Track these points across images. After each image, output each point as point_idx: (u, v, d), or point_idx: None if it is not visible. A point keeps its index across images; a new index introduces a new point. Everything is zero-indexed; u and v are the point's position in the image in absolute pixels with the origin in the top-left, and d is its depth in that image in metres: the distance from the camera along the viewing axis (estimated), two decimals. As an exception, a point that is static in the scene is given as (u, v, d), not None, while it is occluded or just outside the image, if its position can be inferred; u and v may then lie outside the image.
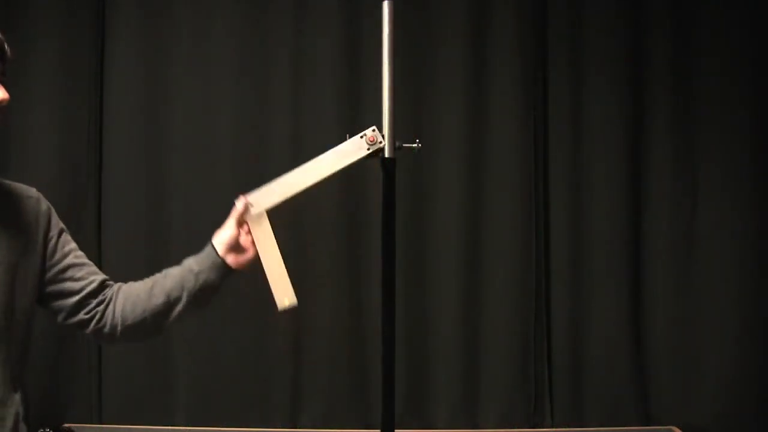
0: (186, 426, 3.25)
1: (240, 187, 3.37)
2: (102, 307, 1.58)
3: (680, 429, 3.20)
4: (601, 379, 3.31)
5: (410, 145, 1.66)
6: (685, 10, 3.32)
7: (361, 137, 1.62)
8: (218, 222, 3.47)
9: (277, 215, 3.44)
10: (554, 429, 3.31)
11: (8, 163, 3.14)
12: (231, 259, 1.62)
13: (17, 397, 1.49)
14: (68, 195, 3.21)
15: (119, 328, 1.58)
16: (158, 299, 1.58)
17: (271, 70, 3.31)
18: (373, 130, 1.62)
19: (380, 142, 1.61)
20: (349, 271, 3.29)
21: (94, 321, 1.58)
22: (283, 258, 1.67)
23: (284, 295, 1.67)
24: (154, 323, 1.59)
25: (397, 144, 1.64)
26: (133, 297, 1.59)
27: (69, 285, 1.56)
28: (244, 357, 3.28)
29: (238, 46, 3.31)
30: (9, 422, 1.46)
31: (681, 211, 3.33)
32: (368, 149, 1.62)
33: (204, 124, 3.29)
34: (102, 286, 1.60)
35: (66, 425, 3.09)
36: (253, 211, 1.65)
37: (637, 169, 3.34)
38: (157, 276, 1.63)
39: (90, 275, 1.59)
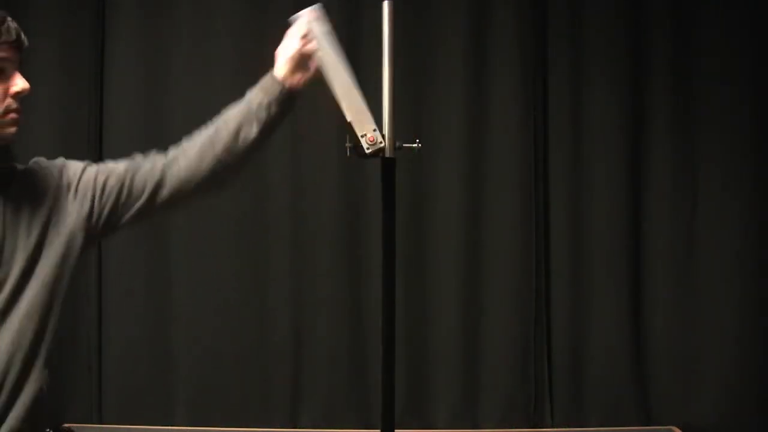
0: (186, 426, 3.25)
1: (239, 187, 3.39)
2: (167, 179, 1.54)
3: (680, 429, 3.20)
4: (601, 379, 3.31)
5: (410, 145, 1.65)
6: (685, 10, 3.32)
7: (362, 136, 1.62)
8: (218, 221, 3.48)
9: (276, 219, 3.41)
10: (554, 429, 3.31)
11: (8, 163, 3.14)
12: (292, 82, 1.58)
13: (45, 372, 1.50)
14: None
15: (193, 183, 1.55)
16: (224, 142, 1.55)
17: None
18: (374, 131, 1.61)
19: (380, 143, 1.61)
20: (349, 271, 3.29)
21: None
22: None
23: (364, 122, 1.60)
24: (227, 167, 1.56)
25: (397, 144, 1.63)
26: (197, 152, 1.56)
27: (132, 200, 1.52)
28: (244, 357, 3.28)
29: (238, 46, 3.31)
30: (30, 396, 1.47)
31: (681, 211, 3.33)
32: (368, 149, 1.61)
33: (203, 124, 3.28)
34: (157, 172, 1.55)
35: (66, 425, 3.08)
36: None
37: (637, 169, 3.34)
38: (218, 123, 1.59)
39: (143, 179, 1.53)
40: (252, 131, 1.55)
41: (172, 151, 1.59)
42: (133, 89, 3.31)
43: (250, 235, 3.29)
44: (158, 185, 1.54)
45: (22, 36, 1.45)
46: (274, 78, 1.58)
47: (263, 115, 1.55)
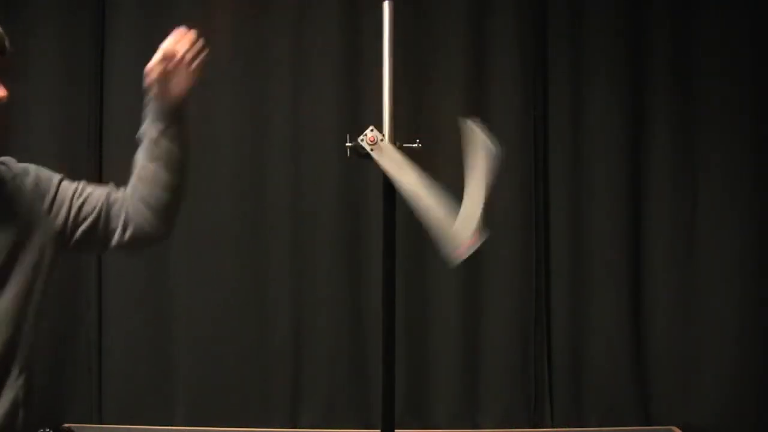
0: (186, 426, 3.25)
1: (240, 187, 3.39)
2: (123, 220, 1.56)
3: (680, 429, 3.20)
4: (601, 379, 3.31)
5: (410, 145, 1.66)
6: (685, 10, 3.32)
7: (362, 139, 1.62)
8: (218, 221, 3.47)
9: (276, 219, 3.41)
10: (554, 429, 3.31)
11: (8, 163, 3.14)
12: (165, 99, 1.59)
13: (20, 380, 1.47)
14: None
15: (161, 229, 1.56)
16: (158, 192, 1.56)
17: (271, 70, 3.31)
18: (372, 130, 1.61)
19: (381, 140, 1.61)
20: (349, 271, 3.29)
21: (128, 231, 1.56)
22: None
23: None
24: (178, 200, 1.58)
25: (397, 144, 1.64)
26: (147, 212, 1.57)
27: (88, 223, 1.53)
28: (244, 357, 3.28)
29: (238, 46, 3.31)
30: (7, 403, 1.44)
31: (681, 211, 3.33)
32: (371, 149, 1.61)
33: (204, 125, 3.29)
34: (110, 206, 1.56)
35: (66, 425, 3.09)
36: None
37: (637, 169, 3.34)
38: (139, 181, 1.60)
39: (116, 218, 1.55)
40: (168, 168, 1.57)
41: (129, 208, 1.57)
42: (133, 89, 3.28)
43: (250, 235, 3.29)
44: (134, 235, 1.55)
45: (6, 42, 1.43)
46: (150, 105, 1.59)
47: (165, 145, 1.57)
